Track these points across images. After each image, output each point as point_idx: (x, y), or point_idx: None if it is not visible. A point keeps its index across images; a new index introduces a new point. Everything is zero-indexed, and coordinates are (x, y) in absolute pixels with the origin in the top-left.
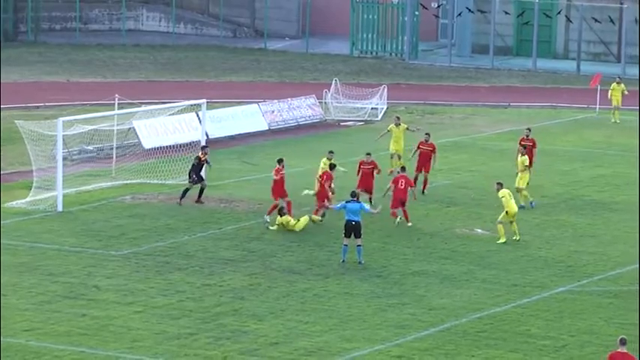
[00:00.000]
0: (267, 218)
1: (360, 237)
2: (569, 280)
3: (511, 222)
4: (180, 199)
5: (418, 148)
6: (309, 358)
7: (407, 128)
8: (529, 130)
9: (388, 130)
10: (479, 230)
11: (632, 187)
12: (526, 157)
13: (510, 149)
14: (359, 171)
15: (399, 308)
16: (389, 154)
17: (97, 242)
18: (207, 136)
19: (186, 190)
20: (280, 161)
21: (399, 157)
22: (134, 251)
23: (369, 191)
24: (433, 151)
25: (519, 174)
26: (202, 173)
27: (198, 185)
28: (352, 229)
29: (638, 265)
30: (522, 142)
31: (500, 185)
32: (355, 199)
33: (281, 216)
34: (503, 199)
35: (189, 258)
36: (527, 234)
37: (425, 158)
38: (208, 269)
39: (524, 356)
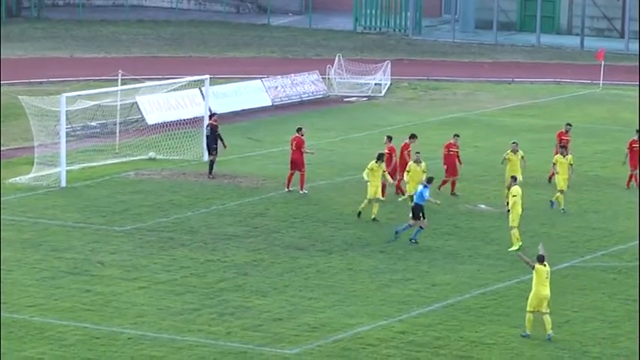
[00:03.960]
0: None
1: (418, 219)
2: (573, 256)
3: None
4: (209, 173)
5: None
6: (313, 334)
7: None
8: (570, 125)
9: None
10: (482, 206)
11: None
12: (570, 156)
13: (514, 125)
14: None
15: (403, 284)
16: None
17: (101, 218)
18: (210, 111)
19: (212, 162)
20: (299, 130)
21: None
22: (138, 227)
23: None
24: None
25: (560, 174)
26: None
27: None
28: (415, 211)
29: (639, 242)
30: (562, 137)
31: (514, 180)
32: (428, 183)
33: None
34: (514, 198)
35: (192, 234)
36: (531, 209)
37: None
38: (212, 245)
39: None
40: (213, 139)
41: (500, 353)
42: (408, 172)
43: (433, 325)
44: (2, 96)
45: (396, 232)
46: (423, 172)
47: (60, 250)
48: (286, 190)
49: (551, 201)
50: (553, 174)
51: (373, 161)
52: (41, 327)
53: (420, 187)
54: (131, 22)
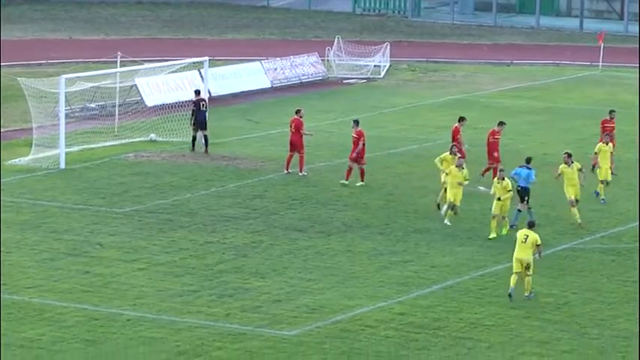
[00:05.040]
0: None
1: (526, 201)
2: (572, 238)
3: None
4: (192, 148)
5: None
6: (312, 316)
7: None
8: (614, 112)
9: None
10: (481, 188)
11: (634, 145)
12: (611, 144)
13: (513, 107)
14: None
15: (402, 266)
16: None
17: (100, 200)
18: (209, 93)
19: (193, 138)
20: (298, 111)
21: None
22: (137, 209)
23: (354, 161)
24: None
25: (601, 164)
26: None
27: (203, 134)
28: (522, 194)
29: (639, 223)
30: (605, 125)
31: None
32: (527, 165)
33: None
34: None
35: (192, 215)
36: (531, 191)
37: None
38: (211, 227)
39: (527, 313)
40: (198, 115)
41: (499, 334)
42: (447, 174)
43: (432, 306)
44: (2, 78)
45: (512, 226)
46: (465, 179)
47: (59, 232)
48: (285, 171)
49: (596, 191)
50: (596, 163)
51: (447, 152)
52: (40, 308)
53: (526, 170)
54: (130, 4)
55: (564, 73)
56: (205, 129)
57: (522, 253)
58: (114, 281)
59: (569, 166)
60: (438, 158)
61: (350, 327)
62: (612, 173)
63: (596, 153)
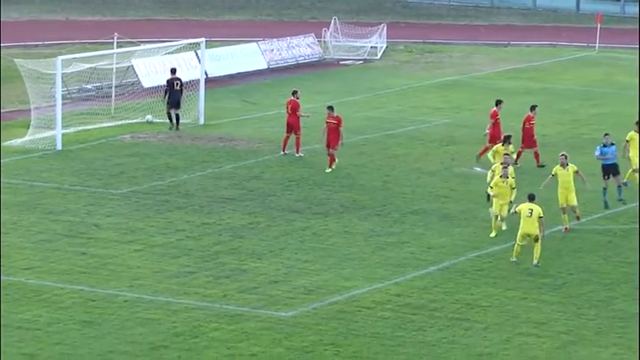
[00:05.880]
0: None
1: (618, 175)
2: (569, 219)
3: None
4: (171, 125)
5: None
6: (308, 297)
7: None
8: None
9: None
10: (478, 169)
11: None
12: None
13: (510, 88)
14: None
15: (399, 247)
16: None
17: (97, 181)
18: (206, 74)
19: (168, 114)
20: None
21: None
22: (134, 190)
23: (331, 147)
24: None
25: (631, 152)
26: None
27: (176, 112)
28: (610, 171)
29: (638, 204)
30: None
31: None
32: (610, 144)
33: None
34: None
35: (188, 197)
36: (528, 173)
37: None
38: (208, 208)
39: (524, 294)
40: (171, 93)
41: (496, 315)
42: (492, 187)
43: (429, 287)
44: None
45: (621, 200)
46: (512, 188)
47: (56, 213)
48: (282, 153)
49: (626, 182)
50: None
51: (499, 144)
52: (37, 289)
53: (610, 148)
54: None
55: (561, 54)
56: (179, 108)
57: (528, 227)
58: (110, 262)
59: (564, 167)
60: (491, 152)
61: (346, 308)
62: None
63: (627, 141)
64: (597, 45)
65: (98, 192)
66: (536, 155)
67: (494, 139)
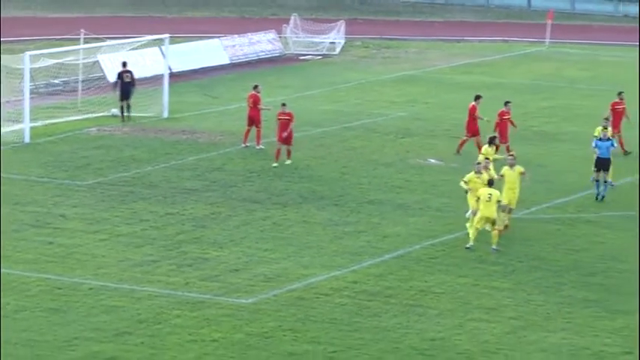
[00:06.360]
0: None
1: (607, 172)
2: (519, 208)
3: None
4: (122, 118)
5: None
6: (268, 284)
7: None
8: (622, 92)
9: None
10: (432, 160)
11: (579, 118)
12: (610, 130)
13: (463, 82)
14: (277, 122)
15: (355, 236)
16: None
17: (64, 173)
18: (170, 69)
19: (120, 108)
20: (256, 87)
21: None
22: (99, 181)
23: (287, 143)
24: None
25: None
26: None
27: (127, 103)
28: (602, 165)
29: (581, 194)
30: (615, 107)
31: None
32: (606, 138)
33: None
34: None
35: (152, 188)
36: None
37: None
38: (171, 199)
39: (475, 281)
40: (120, 84)
41: (449, 301)
42: (467, 182)
43: (384, 275)
44: None
45: (603, 196)
46: (521, 173)
47: (23, 204)
48: (243, 145)
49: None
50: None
51: (486, 145)
52: (5, 278)
53: (605, 142)
54: None
55: (512, 49)
56: (129, 99)
57: (487, 210)
58: (76, 251)
59: (512, 168)
60: (482, 156)
61: (305, 295)
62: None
63: (595, 135)
64: (548, 40)
65: (65, 183)
66: (508, 149)
67: (471, 132)
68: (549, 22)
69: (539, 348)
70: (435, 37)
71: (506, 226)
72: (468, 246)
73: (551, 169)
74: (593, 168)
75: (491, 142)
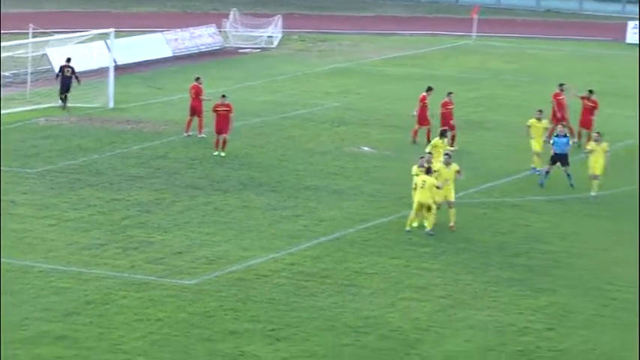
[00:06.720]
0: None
1: (567, 165)
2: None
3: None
4: (64, 106)
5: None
6: (210, 266)
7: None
8: (563, 84)
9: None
10: (365, 148)
11: (503, 108)
12: (545, 120)
13: (395, 74)
14: (215, 114)
15: (293, 220)
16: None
17: (14, 161)
18: (115, 62)
19: (60, 98)
20: (198, 79)
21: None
22: (48, 169)
23: (224, 133)
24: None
25: (534, 138)
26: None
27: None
28: (559, 159)
29: (506, 179)
30: (557, 98)
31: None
32: (563, 135)
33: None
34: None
35: (99, 175)
36: (409, 151)
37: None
38: (117, 185)
39: (406, 262)
40: (62, 78)
41: (381, 281)
42: (436, 171)
43: (320, 256)
44: None
45: (571, 185)
46: (456, 171)
47: None
48: (185, 134)
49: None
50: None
51: (437, 138)
52: None
53: (562, 139)
54: None
55: (441, 42)
56: (68, 91)
57: (423, 196)
58: (27, 236)
59: (447, 167)
60: (430, 146)
61: (245, 276)
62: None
63: (528, 126)
64: (474, 34)
65: (15, 171)
66: (453, 137)
67: (421, 121)
68: (475, 16)
69: (467, 325)
70: (368, 30)
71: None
72: (407, 229)
73: (477, 156)
74: (549, 161)
75: (442, 134)
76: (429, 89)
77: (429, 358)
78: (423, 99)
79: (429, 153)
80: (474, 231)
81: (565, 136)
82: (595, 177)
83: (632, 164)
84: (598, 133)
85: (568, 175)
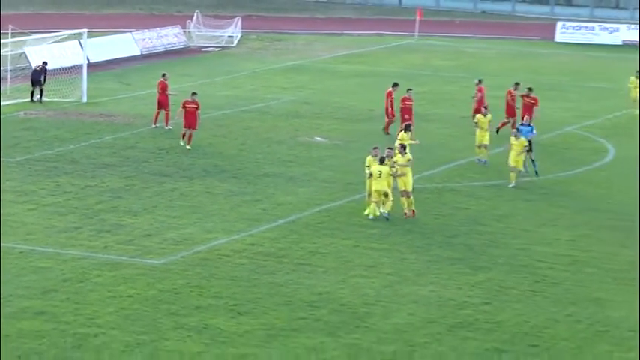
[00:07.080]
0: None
1: (531, 152)
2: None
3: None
4: (40, 100)
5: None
6: (177, 247)
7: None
8: (518, 84)
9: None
10: (318, 138)
11: (444, 102)
12: (490, 115)
13: (344, 70)
14: (183, 110)
15: (253, 204)
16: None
17: None
18: (88, 60)
19: (32, 92)
20: (164, 75)
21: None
22: (27, 158)
23: (193, 128)
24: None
25: (480, 130)
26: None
27: (39, 88)
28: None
29: (447, 166)
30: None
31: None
32: (527, 124)
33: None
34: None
35: (74, 164)
36: (358, 141)
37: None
38: (91, 173)
39: (356, 242)
40: (37, 74)
41: (333, 260)
42: (395, 162)
43: (278, 238)
44: None
45: (536, 172)
46: (408, 160)
47: None
48: (153, 126)
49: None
50: (503, 125)
51: (402, 132)
52: None
53: (526, 127)
54: None
55: (386, 42)
56: (39, 86)
57: (379, 185)
58: (8, 220)
59: (402, 156)
60: (398, 141)
61: (209, 256)
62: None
63: (475, 122)
64: (417, 34)
65: None
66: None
67: (389, 114)
68: (420, 18)
69: (411, 299)
70: (320, 31)
71: (413, 211)
72: (370, 217)
73: (421, 145)
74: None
75: (406, 129)
76: (395, 85)
77: (377, 329)
78: (389, 94)
79: (390, 149)
80: (418, 214)
81: (529, 125)
82: (513, 169)
83: (565, 153)
84: (486, 106)
85: (532, 160)
